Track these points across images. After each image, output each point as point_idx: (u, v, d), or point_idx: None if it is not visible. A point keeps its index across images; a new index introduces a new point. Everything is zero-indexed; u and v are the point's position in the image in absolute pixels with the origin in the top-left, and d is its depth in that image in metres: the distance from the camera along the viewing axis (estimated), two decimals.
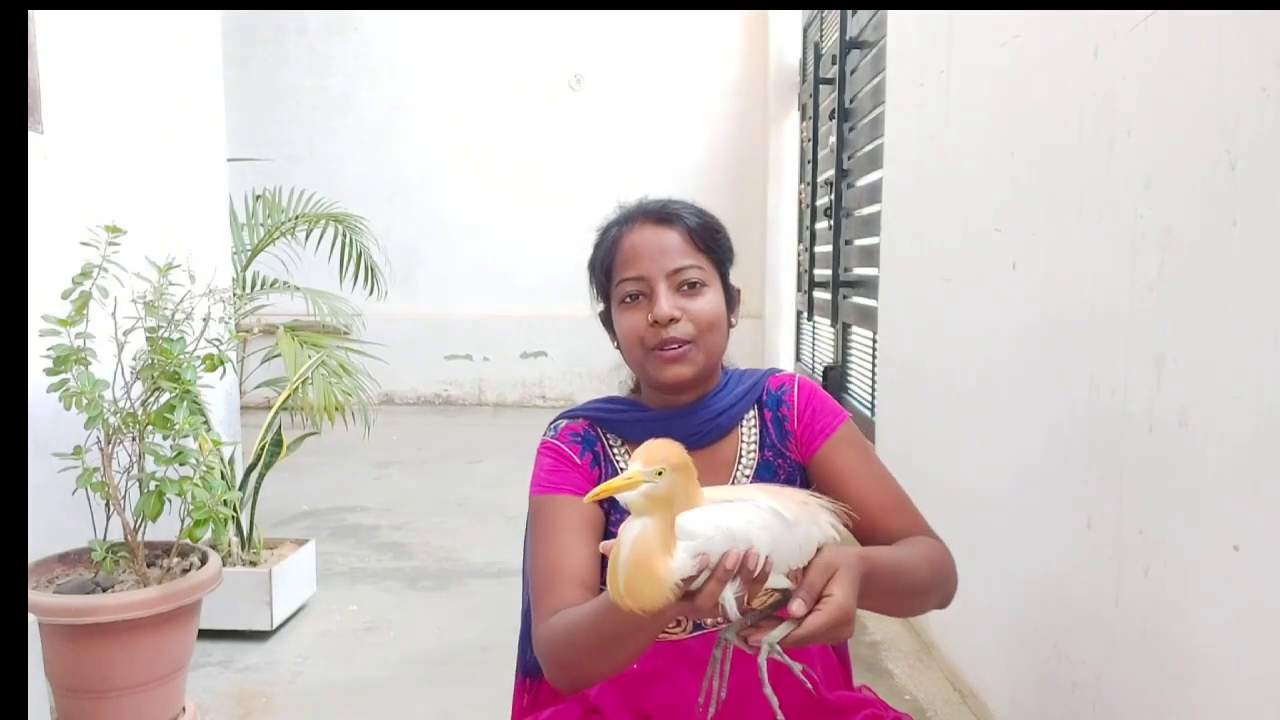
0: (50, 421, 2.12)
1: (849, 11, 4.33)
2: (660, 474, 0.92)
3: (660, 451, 0.94)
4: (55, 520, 2.14)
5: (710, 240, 1.27)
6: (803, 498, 1.04)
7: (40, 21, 2.23)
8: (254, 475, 2.85)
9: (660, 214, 1.27)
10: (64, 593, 2.03)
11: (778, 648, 0.97)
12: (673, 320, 1.21)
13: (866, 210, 4.02)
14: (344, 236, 5.11)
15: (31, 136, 2.19)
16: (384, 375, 4.71)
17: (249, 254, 4.97)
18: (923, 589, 1.17)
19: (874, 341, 3.66)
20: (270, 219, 5.10)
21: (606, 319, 1.34)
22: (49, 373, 1.98)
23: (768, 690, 0.97)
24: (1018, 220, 2.01)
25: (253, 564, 2.83)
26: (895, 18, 3.15)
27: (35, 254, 2.05)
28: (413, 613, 3.09)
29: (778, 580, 0.98)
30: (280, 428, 2.92)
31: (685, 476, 0.94)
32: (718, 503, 0.98)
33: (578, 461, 1.29)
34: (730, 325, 1.29)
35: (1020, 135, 2.01)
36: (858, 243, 4.23)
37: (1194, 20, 1.33)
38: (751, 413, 1.32)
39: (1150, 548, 1.44)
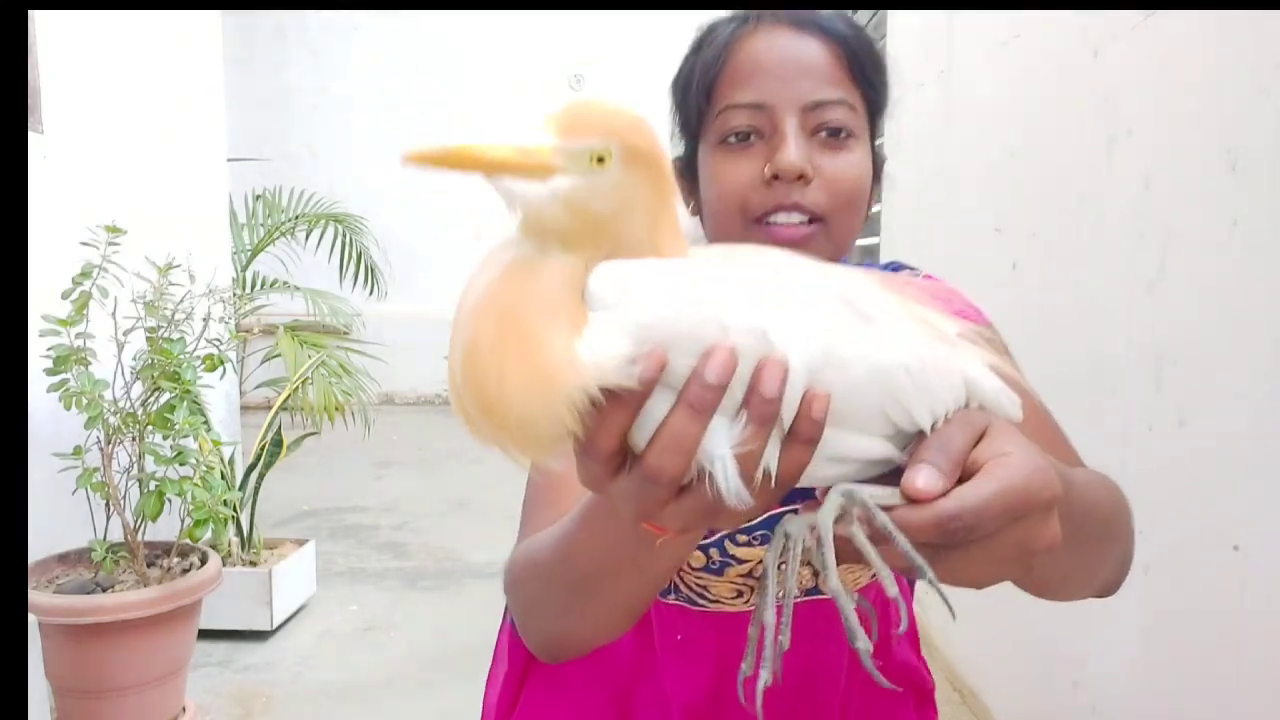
0: (50, 421, 2.12)
1: (849, 12, 4.33)
2: (600, 161, 0.47)
3: (605, 115, 0.48)
4: (55, 520, 2.14)
5: (870, 67, 0.85)
6: (929, 299, 0.56)
7: (40, 21, 2.23)
8: (254, 475, 2.85)
9: (802, 16, 0.85)
10: (64, 593, 2.03)
11: (869, 502, 0.49)
12: (801, 178, 0.80)
13: None
14: (344, 236, 5.12)
15: (31, 136, 2.19)
16: (384, 375, 4.71)
17: (249, 254, 4.97)
18: (1100, 530, 0.70)
19: None
20: (270, 219, 5.10)
21: (687, 167, 0.90)
22: (49, 373, 1.98)
23: (851, 620, 0.50)
24: (1018, 220, 2.02)
25: (253, 564, 2.83)
26: (895, 18, 3.15)
27: (35, 254, 2.04)
28: (413, 613, 3.09)
29: (848, 442, 0.50)
30: (280, 428, 2.92)
31: (654, 186, 0.49)
32: (710, 261, 0.52)
33: None
34: (868, 206, 0.89)
35: (1020, 135, 2.01)
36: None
37: (1194, 20, 1.33)
38: None
39: (1151, 548, 1.44)
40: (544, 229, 0.48)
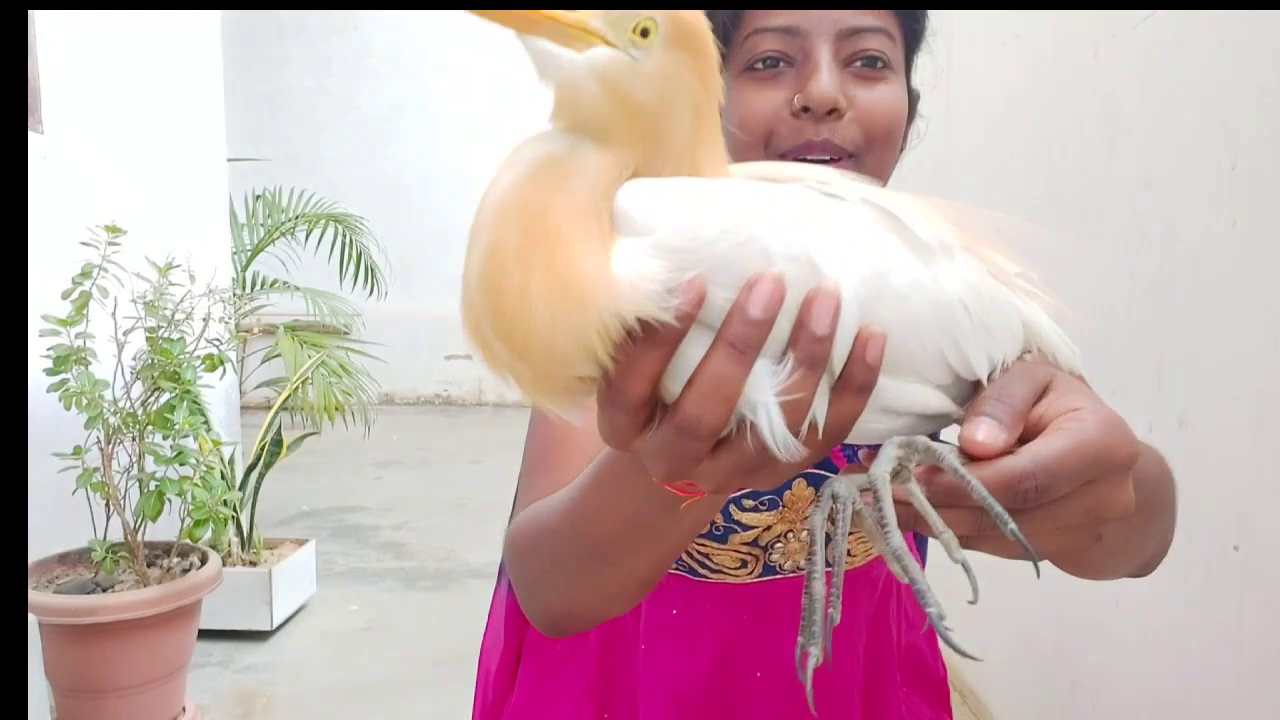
0: (50, 421, 2.12)
1: None
2: (644, 34, 0.42)
3: None
4: (55, 520, 2.14)
5: None
6: (989, 235, 0.51)
7: (40, 21, 2.23)
8: (254, 475, 2.85)
9: None
10: (64, 593, 2.03)
11: (941, 454, 0.43)
12: (834, 111, 0.73)
13: None
14: (344, 236, 5.11)
15: (31, 136, 2.19)
16: (384, 375, 4.71)
17: (249, 254, 4.97)
18: (1150, 500, 0.61)
19: None
20: (270, 219, 5.10)
21: None
22: (49, 373, 1.98)
23: (920, 582, 0.43)
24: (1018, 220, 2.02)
25: (253, 564, 2.83)
26: None
27: (35, 254, 2.04)
28: (413, 613, 3.09)
29: (903, 391, 0.45)
30: (280, 428, 2.92)
31: (701, 76, 0.44)
32: (751, 180, 0.46)
33: None
34: (903, 147, 0.83)
35: (1020, 135, 2.01)
36: None
37: (1194, 20, 1.33)
38: None
39: None
40: (579, 112, 0.42)
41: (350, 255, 5.13)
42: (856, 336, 0.42)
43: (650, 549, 0.60)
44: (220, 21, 3.21)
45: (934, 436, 0.47)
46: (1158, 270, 1.41)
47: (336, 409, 3.39)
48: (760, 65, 0.75)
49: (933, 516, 0.43)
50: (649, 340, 0.40)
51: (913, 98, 0.84)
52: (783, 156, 0.75)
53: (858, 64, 0.75)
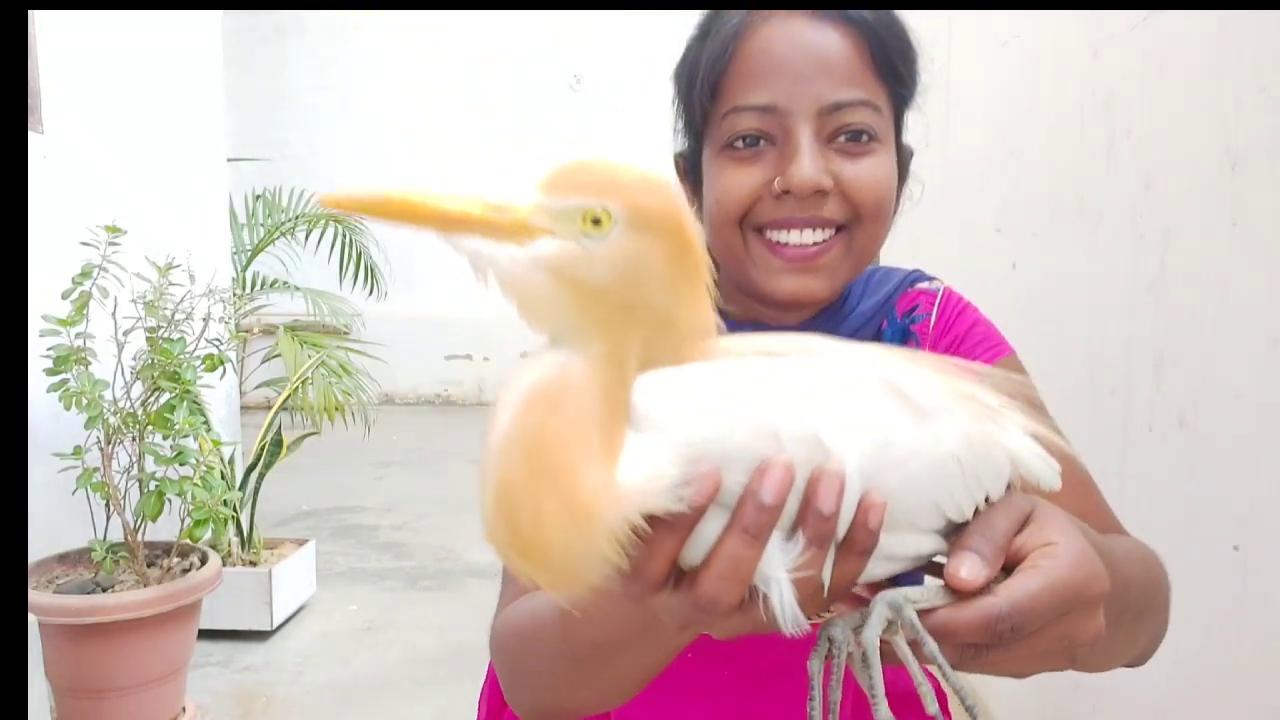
0: (50, 421, 2.12)
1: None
2: (597, 223, 0.41)
3: (606, 171, 0.42)
4: (55, 520, 2.14)
5: (900, 59, 0.75)
6: (965, 374, 0.51)
7: (40, 21, 2.23)
8: (254, 475, 2.85)
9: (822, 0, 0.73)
10: (64, 593, 2.03)
11: (914, 621, 0.46)
12: (818, 193, 0.72)
13: None
14: (344, 236, 5.11)
15: (31, 136, 2.19)
16: (384, 375, 4.71)
17: (249, 254, 4.97)
18: (1138, 603, 0.65)
19: None
20: (270, 219, 5.10)
21: (691, 166, 0.82)
22: (49, 373, 1.98)
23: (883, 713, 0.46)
24: (1018, 220, 2.02)
25: (253, 564, 2.83)
26: None
27: (35, 254, 2.04)
28: (413, 613, 3.09)
29: (902, 542, 0.48)
30: (280, 428, 2.92)
31: (674, 257, 0.43)
32: (749, 356, 0.47)
33: None
34: (894, 213, 0.80)
35: (1020, 135, 2.01)
36: None
37: (1194, 20, 1.33)
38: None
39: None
40: (539, 313, 0.42)
41: (350, 255, 5.14)
42: (859, 504, 0.44)
43: (645, 652, 0.59)
44: (220, 21, 3.21)
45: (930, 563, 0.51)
46: (1158, 270, 1.41)
47: (336, 409, 3.39)
48: (740, 144, 0.73)
49: (913, 668, 0.46)
50: (665, 528, 0.42)
51: (904, 159, 0.81)
52: (761, 229, 0.74)
53: (842, 139, 0.73)
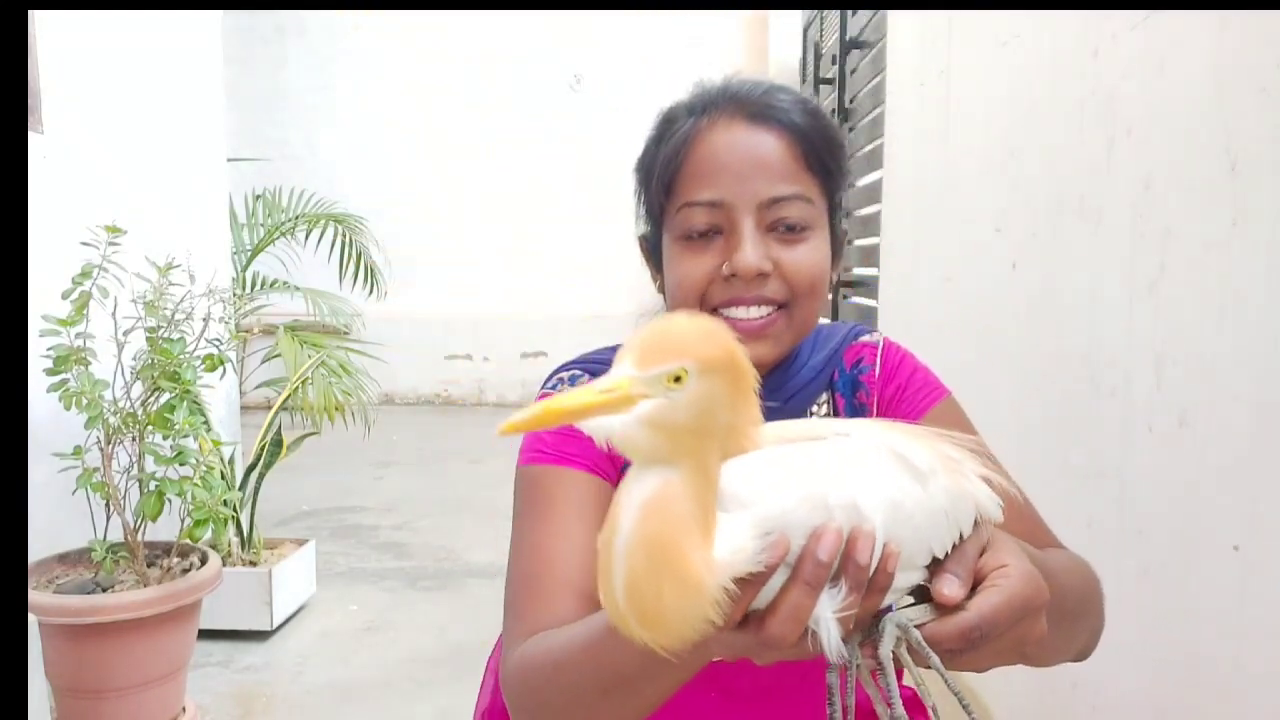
0: (50, 421, 2.12)
1: (849, 11, 4.33)
2: (678, 380, 0.53)
3: (678, 337, 0.54)
4: (55, 520, 2.14)
5: (827, 156, 0.87)
6: (938, 438, 0.66)
7: (40, 21, 2.23)
8: (254, 475, 2.85)
9: (758, 108, 0.86)
10: (64, 593, 2.03)
11: (920, 639, 0.60)
12: (760, 275, 0.84)
13: (866, 210, 4.01)
14: (344, 236, 5.12)
15: (31, 136, 2.19)
16: (384, 375, 4.71)
17: (249, 254, 4.97)
18: (1075, 608, 0.79)
19: None
20: (270, 219, 5.10)
21: (653, 247, 0.95)
22: (49, 373, 1.98)
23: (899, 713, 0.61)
24: (1018, 220, 2.01)
25: (253, 564, 2.83)
26: (895, 18, 3.15)
27: (35, 254, 2.04)
28: (413, 613, 3.09)
29: (904, 577, 0.61)
30: (280, 428, 2.92)
31: (731, 386, 0.55)
32: (793, 441, 0.60)
33: None
34: (831, 285, 0.92)
35: (1020, 135, 2.01)
36: (858, 243, 4.23)
37: (1194, 20, 1.33)
38: (824, 396, 0.96)
39: (1150, 548, 1.44)
40: (642, 453, 0.54)
41: (350, 255, 5.14)
42: (881, 553, 0.57)
43: (674, 675, 0.67)
44: (220, 21, 3.21)
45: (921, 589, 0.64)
46: (1158, 270, 1.41)
47: (336, 409, 3.39)
48: (694, 235, 0.86)
49: (914, 672, 0.61)
50: (747, 586, 0.55)
51: (838, 239, 0.93)
52: (715, 309, 0.86)
53: (781, 228, 0.85)
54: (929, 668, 0.61)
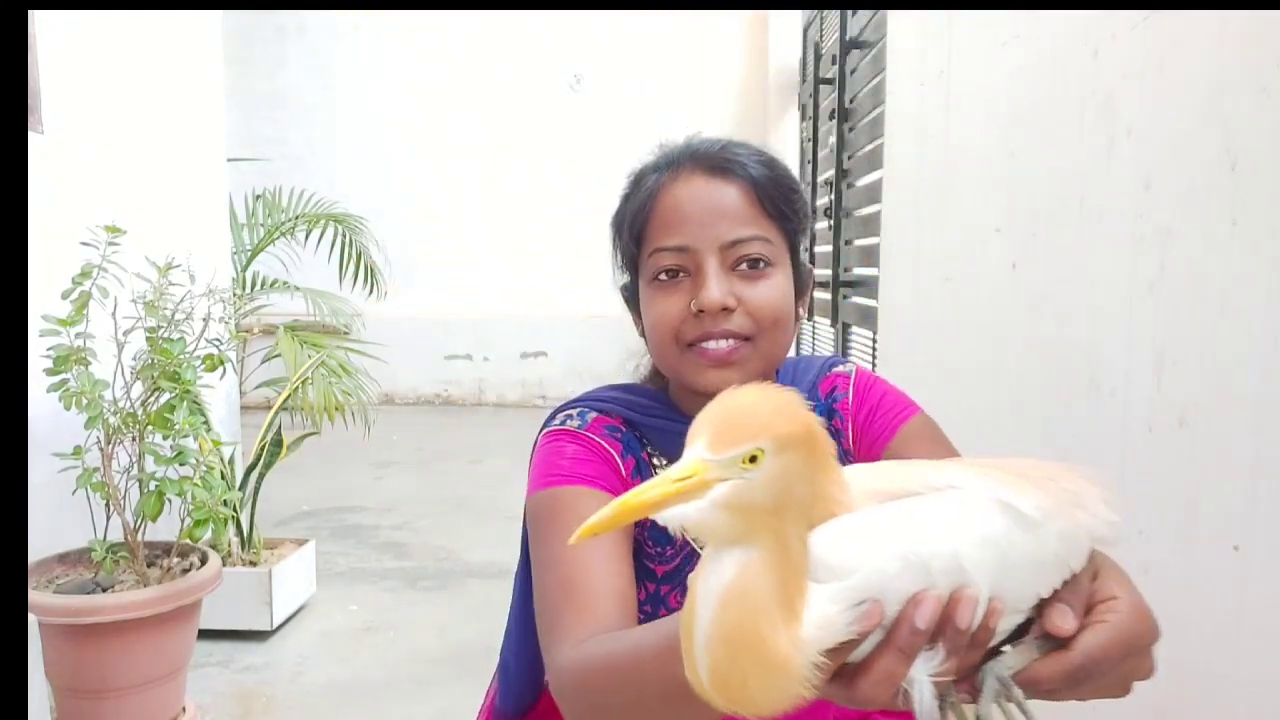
0: (50, 421, 2.12)
1: (849, 11, 4.33)
2: (753, 460, 0.51)
3: (751, 416, 0.53)
4: (55, 520, 2.14)
5: (783, 202, 0.94)
6: (1046, 470, 0.64)
7: (40, 21, 2.23)
8: (254, 475, 2.85)
9: (717, 162, 0.93)
10: (64, 593, 2.03)
11: (1021, 699, 0.57)
12: (725, 310, 0.90)
13: (866, 210, 4.02)
14: (344, 236, 5.11)
15: (31, 136, 2.19)
16: (384, 375, 4.71)
17: (249, 254, 4.97)
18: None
19: (874, 341, 3.66)
20: (270, 219, 5.10)
21: (631, 296, 1.02)
22: (49, 373, 1.98)
23: None
24: (1018, 220, 2.01)
25: (253, 564, 2.83)
26: (895, 18, 3.15)
27: (35, 254, 2.04)
28: (413, 613, 3.09)
29: (1010, 620, 0.58)
30: (280, 428, 2.92)
31: (809, 459, 0.54)
32: (884, 499, 0.58)
33: (619, 462, 0.96)
34: (797, 318, 0.98)
35: (1020, 135, 2.01)
36: (858, 243, 4.23)
37: (1194, 20, 1.33)
38: None
39: (1150, 548, 1.44)
40: (719, 536, 0.53)
41: (350, 255, 5.13)
42: (983, 612, 0.55)
43: None
44: (220, 21, 3.21)
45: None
46: (1158, 270, 1.41)
47: (336, 409, 3.39)
48: (664, 276, 0.93)
49: (1014, 694, 0.58)
50: (838, 652, 0.53)
51: (802, 276, 0.99)
52: (690, 345, 0.92)
53: (743, 266, 0.92)
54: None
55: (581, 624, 0.79)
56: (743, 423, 0.52)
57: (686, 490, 0.51)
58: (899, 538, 0.54)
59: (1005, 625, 0.58)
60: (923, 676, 0.54)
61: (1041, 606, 0.59)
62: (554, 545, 0.87)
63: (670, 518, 0.52)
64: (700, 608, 0.53)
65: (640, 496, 0.52)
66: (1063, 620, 0.58)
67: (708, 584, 0.53)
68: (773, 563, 0.52)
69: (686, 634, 0.54)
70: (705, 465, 0.52)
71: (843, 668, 0.55)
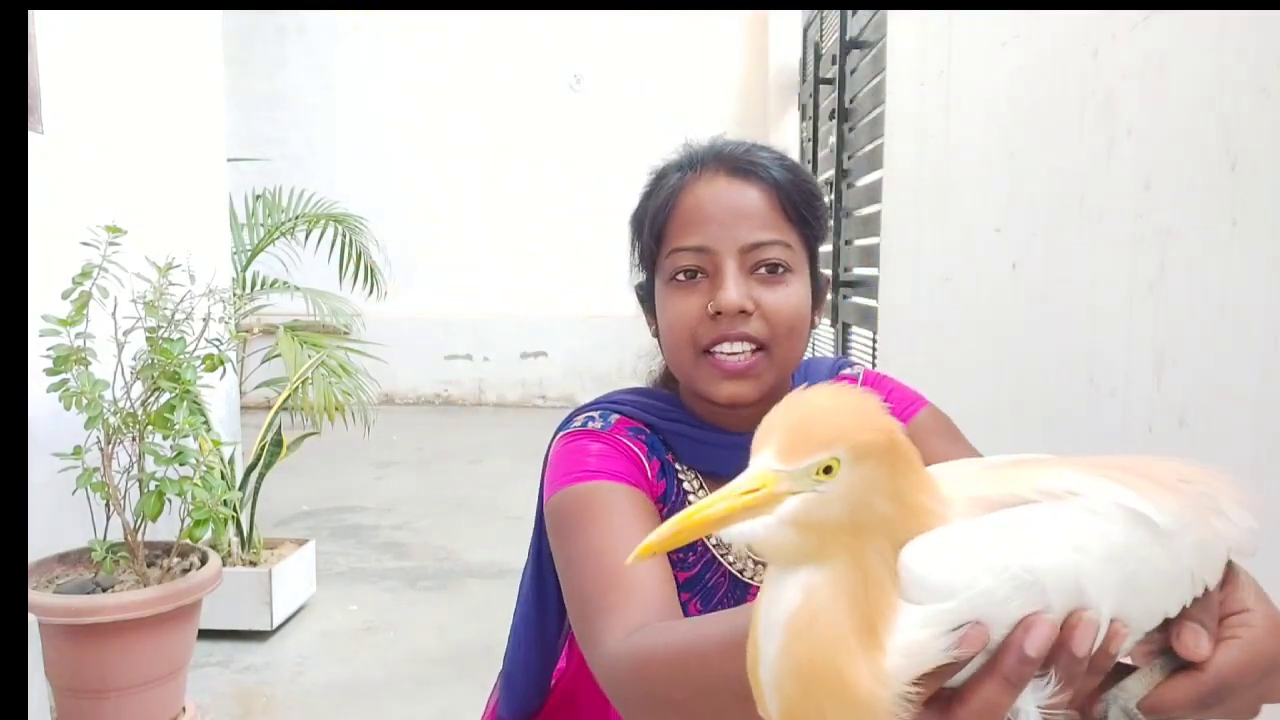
0: (50, 421, 2.12)
1: (849, 11, 4.33)
2: (827, 471, 0.46)
3: (827, 421, 0.47)
4: (55, 520, 2.14)
5: (805, 207, 0.93)
6: (1178, 471, 0.56)
7: (40, 21, 2.23)
8: (254, 475, 2.85)
9: (741, 163, 0.92)
10: (64, 593, 2.03)
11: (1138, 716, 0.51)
12: (742, 313, 0.89)
13: (866, 210, 4.02)
14: (344, 236, 5.11)
15: (31, 136, 2.19)
16: (384, 375, 4.71)
17: (249, 254, 4.97)
18: None
19: (874, 341, 3.66)
20: (270, 219, 5.10)
21: (646, 295, 1.00)
22: (49, 373, 1.98)
23: None
24: (1018, 220, 2.01)
25: (253, 564, 2.83)
26: (895, 18, 3.15)
27: (35, 254, 2.04)
28: (413, 613, 3.09)
29: (1132, 641, 0.53)
30: (280, 428, 2.92)
31: (892, 469, 0.48)
32: (990, 506, 0.51)
33: (645, 464, 0.94)
34: (812, 326, 0.97)
35: (1020, 135, 2.01)
36: (858, 243, 4.23)
37: (1194, 20, 1.33)
38: None
39: None
40: (788, 556, 0.47)
41: (350, 255, 5.13)
42: (1106, 632, 0.49)
43: None
44: (220, 21, 3.21)
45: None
46: (1158, 270, 1.41)
47: (336, 409, 3.39)
48: (682, 276, 0.92)
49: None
50: (933, 676, 0.46)
51: (819, 286, 0.98)
52: (706, 351, 0.90)
53: (762, 270, 0.90)
54: None
55: (632, 611, 0.75)
56: (816, 429, 0.47)
57: (755, 505, 0.46)
58: (1008, 552, 0.47)
59: (1127, 647, 0.51)
60: (1030, 707, 0.47)
61: (1168, 624, 0.53)
62: (592, 537, 0.83)
63: (735, 535, 0.47)
64: (765, 641, 0.47)
65: (704, 512, 0.46)
66: (1196, 643, 0.52)
67: (770, 614, 0.47)
68: (847, 584, 0.46)
69: (752, 674, 0.48)
70: (775, 477, 0.46)
71: (937, 693, 0.48)
